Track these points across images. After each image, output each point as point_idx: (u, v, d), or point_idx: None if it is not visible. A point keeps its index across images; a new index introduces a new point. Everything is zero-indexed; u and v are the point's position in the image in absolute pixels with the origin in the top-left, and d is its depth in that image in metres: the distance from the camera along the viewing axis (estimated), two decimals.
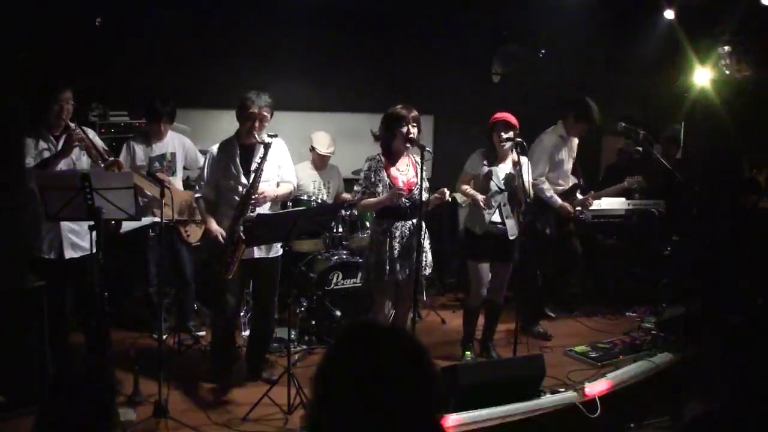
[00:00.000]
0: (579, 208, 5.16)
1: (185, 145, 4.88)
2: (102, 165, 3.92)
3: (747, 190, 5.55)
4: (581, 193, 5.19)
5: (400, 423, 1.37)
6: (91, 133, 4.02)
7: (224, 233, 3.90)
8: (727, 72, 5.96)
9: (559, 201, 5.06)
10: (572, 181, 5.28)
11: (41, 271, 3.85)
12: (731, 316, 4.86)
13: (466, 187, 4.50)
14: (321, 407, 1.43)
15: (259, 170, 3.87)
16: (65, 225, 3.93)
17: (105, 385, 1.99)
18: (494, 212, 4.40)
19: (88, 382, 1.94)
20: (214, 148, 4.05)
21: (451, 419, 3.40)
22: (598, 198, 5.36)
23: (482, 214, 4.41)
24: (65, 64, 4.72)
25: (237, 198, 3.94)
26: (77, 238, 3.98)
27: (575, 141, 5.26)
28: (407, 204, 4.03)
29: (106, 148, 4.09)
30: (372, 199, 4.04)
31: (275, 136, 3.95)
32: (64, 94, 3.87)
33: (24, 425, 3.39)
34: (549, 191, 5.03)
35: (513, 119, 4.32)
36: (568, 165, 5.21)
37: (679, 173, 5.59)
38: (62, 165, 3.88)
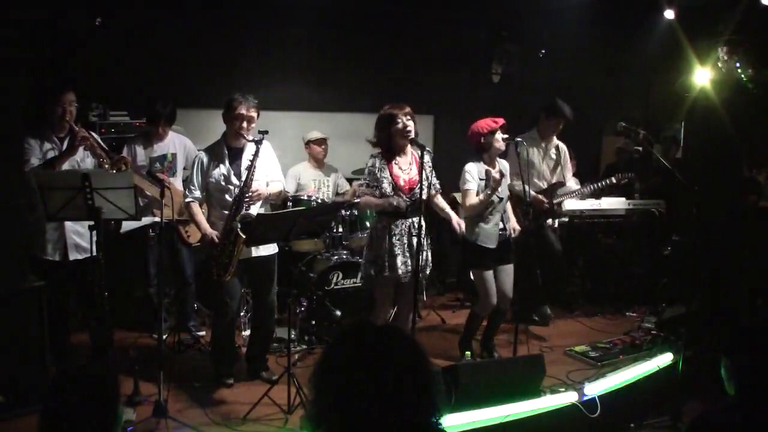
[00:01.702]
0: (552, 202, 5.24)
1: (186, 146, 4.88)
2: (107, 164, 3.92)
3: (747, 190, 5.54)
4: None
5: (398, 423, 1.37)
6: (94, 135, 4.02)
7: (218, 235, 3.90)
8: (727, 71, 5.96)
9: (532, 192, 5.07)
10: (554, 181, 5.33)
11: (44, 272, 3.85)
12: (731, 316, 4.86)
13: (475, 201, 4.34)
14: (320, 407, 1.43)
15: (252, 168, 3.87)
16: (69, 226, 3.93)
17: (109, 385, 1.97)
18: (497, 221, 4.35)
19: (90, 382, 1.92)
20: (202, 153, 4.04)
21: (451, 419, 3.40)
22: (585, 197, 5.45)
23: (487, 228, 4.32)
24: (65, 64, 4.72)
25: (228, 198, 3.94)
26: (81, 240, 3.98)
27: (553, 144, 5.30)
28: (407, 204, 4.02)
29: (106, 148, 4.09)
30: (373, 199, 4.03)
31: (266, 132, 3.90)
32: (66, 96, 3.85)
33: (24, 425, 3.40)
34: (519, 185, 5.01)
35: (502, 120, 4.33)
36: (542, 167, 5.27)
37: (679, 173, 5.59)
38: (66, 165, 3.88)
